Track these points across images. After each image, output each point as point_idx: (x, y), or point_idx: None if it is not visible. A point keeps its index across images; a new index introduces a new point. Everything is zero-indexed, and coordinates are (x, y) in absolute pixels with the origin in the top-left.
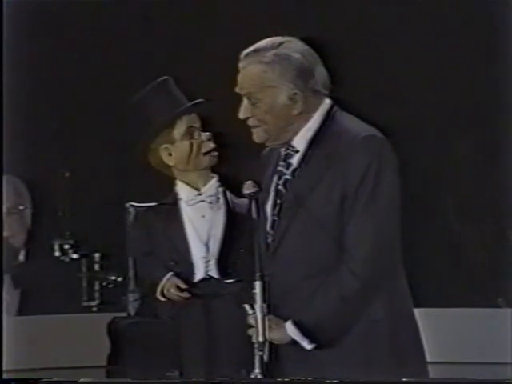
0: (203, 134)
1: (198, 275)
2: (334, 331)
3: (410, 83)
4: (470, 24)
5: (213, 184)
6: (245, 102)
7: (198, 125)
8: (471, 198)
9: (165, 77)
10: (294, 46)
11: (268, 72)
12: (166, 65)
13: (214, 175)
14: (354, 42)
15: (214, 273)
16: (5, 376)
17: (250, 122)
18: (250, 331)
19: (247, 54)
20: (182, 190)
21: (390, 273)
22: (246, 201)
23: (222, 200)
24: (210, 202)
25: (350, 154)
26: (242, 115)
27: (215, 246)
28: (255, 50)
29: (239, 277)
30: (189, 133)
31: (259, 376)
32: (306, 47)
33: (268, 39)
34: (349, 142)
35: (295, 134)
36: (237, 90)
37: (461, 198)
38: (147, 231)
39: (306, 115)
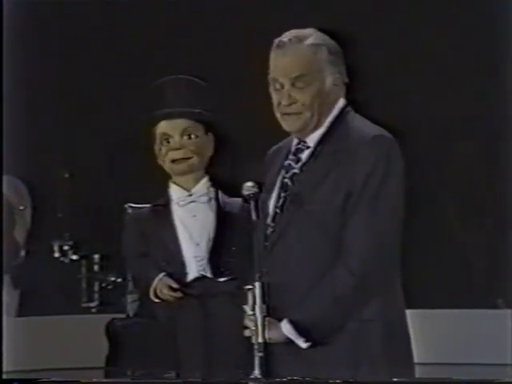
0: (176, 141)
1: (191, 275)
2: (329, 329)
3: (410, 84)
4: (477, 26)
5: (203, 184)
6: (287, 87)
7: (174, 132)
8: (471, 198)
9: (182, 76)
10: (324, 35)
11: (317, 54)
12: (166, 65)
13: (205, 175)
14: (363, 42)
15: (206, 272)
16: (5, 377)
17: (294, 109)
18: (247, 332)
19: (290, 40)
20: (174, 191)
21: (387, 274)
22: (237, 200)
23: (213, 199)
24: (202, 202)
25: (359, 153)
26: (286, 101)
27: (207, 245)
28: (295, 36)
29: (232, 275)
30: (162, 138)
31: (259, 377)
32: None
33: (295, 30)
34: (358, 140)
35: (315, 132)
36: (277, 75)
37: (461, 198)
38: (141, 233)
39: (334, 104)
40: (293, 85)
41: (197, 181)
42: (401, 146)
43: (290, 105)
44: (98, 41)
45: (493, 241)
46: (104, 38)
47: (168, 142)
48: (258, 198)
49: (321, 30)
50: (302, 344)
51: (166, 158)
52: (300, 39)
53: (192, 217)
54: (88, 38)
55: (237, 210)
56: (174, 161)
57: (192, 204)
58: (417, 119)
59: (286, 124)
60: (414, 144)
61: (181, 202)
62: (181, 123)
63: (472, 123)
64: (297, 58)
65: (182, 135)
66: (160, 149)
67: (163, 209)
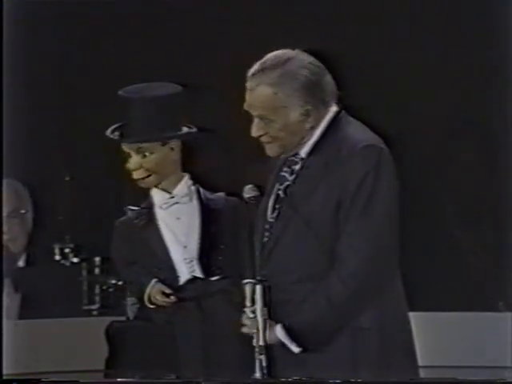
0: (134, 160)
1: (182, 278)
2: (322, 337)
3: (410, 88)
4: (475, 32)
5: (184, 184)
6: (256, 120)
7: (131, 151)
8: (472, 201)
9: (138, 94)
10: (299, 62)
11: (278, 93)
12: (166, 67)
13: (185, 174)
14: (360, 50)
15: (197, 273)
16: (5, 378)
17: (264, 139)
18: (245, 329)
19: (254, 74)
20: (155, 195)
21: (382, 282)
22: (220, 195)
23: (194, 198)
24: (184, 203)
25: (348, 163)
26: (254, 133)
27: (195, 246)
28: (262, 70)
29: (224, 273)
30: (125, 155)
31: (259, 379)
32: (312, 59)
33: (273, 54)
34: (348, 150)
35: (306, 143)
36: (246, 108)
37: (461, 201)
38: (128, 240)
39: (316, 126)
40: (260, 118)
41: (177, 181)
42: (394, 152)
43: (259, 136)
44: (99, 41)
45: (493, 243)
46: (105, 38)
47: (130, 158)
48: (259, 201)
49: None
50: (294, 349)
51: (131, 174)
52: (265, 74)
53: (176, 219)
54: (88, 38)
55: (221, 206)
56: (135, 180)
57: (175, 206)
58: (417, 124)
59: (266, 151)
60: (414, 145)
61: (164, 205)
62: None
63: (472, 124)
64: (258, 99)
65: (137, 154)
66: (126, 165)
67: (147, 213)
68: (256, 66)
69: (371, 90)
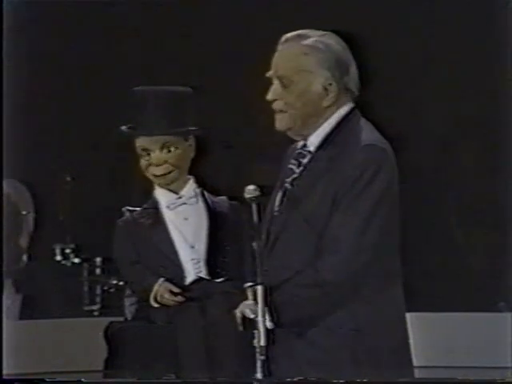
0: (156, 156)
1: (189, 278)
2: (300, 315)
3: (410, 89)
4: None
5: (191, 185)
6: (276, 83)
7: (154, 147)
8: (472, 201)
9: (155, 88)
10: (336, 39)
11: (308, 55)
12: (166, 68)
13: (190, 176)
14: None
15: (203, 274)
16: (5, 377)
17: (277, 105)
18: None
19: (287, 39)
20: (162, 195)
21: (368, 278)
22: (223, 198)
23: (200, 200)
24: (191, 204)
25: (349, 161)
26: (270, 96)
27: (202, 247)
28: (298, 35)
29: (229, 275)
30: (142, 152)
31: (260, 379)
32: (345, 44)
33: (306, 30)
34: (351, 148)
35: (314, 130)
36: (269, 73)
37: (461, 201)
38: (131, 240)
39: (331, 111)
40: (280, 82)
41: (184, 183)
42: (397, 154)
43: (273, 101)
44: (100, 41)
45: (493, 243)
46: (105, 38)
47: (148, 155)
48: (260, 202)
49: (339, 33)
50: (268, 323)
51: (147, 171)
52: (300, 38)
53: (184, 219)
54: (89, 38)
55: (226, 210)
56: (155, 176)
57: (182, 206)
58: (417, 121)
59: (276, 122)
60: (415, 145)
61: (171, 206)
62: (160, 138)
63: (472, 124)
64: (286, 58)
65: (161, 149)
66: (141, 161)
67: (152, 213)
68: (291, 33)
69: (371, 91)
